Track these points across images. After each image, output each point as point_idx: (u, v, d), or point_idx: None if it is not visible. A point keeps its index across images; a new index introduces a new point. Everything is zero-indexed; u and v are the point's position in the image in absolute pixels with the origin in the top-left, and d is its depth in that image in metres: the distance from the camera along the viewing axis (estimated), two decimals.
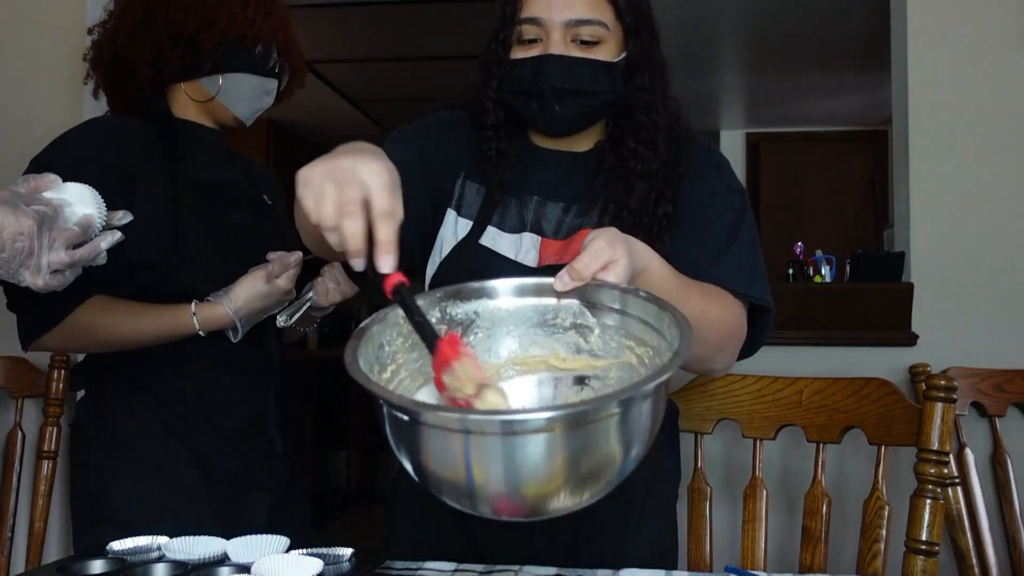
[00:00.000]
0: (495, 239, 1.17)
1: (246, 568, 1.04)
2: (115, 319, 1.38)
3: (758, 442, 1.48)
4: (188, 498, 1.42)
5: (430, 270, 1.21)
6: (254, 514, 1.48)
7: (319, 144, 6.15)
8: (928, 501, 1.29)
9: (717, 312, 1.09)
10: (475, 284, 0.90)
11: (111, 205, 1.15)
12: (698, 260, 1.13)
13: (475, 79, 1.22)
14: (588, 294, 0.86)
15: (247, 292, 1.42)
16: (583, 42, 1.12)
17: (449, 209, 1.21)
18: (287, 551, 1.12)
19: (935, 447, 1.30)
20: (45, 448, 1.91)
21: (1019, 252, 2.01)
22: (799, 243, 2.90)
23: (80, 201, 1.04)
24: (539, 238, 1.16)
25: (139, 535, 1.16)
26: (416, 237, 1.18)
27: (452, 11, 3.58)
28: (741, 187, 1.23)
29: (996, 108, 2.03)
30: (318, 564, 1.03)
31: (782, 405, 1.47)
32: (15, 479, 1.91)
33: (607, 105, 1.17)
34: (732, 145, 5.94)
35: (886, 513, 1.35)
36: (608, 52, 1.14)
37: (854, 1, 3.47)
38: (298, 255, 1.45)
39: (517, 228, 1.17)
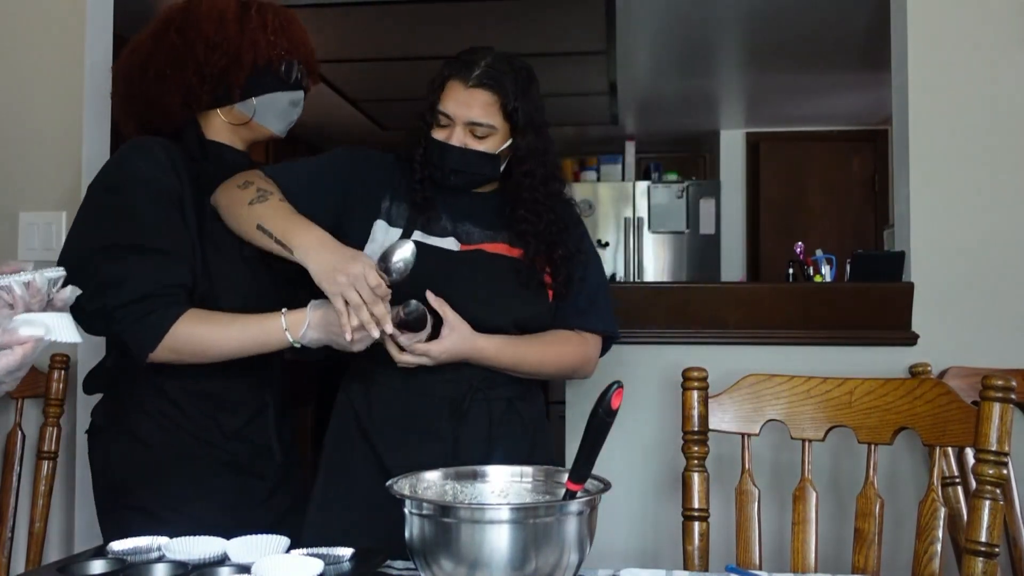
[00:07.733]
0: (423, 240, 1.52)
1: (246, 568, 1.04)
2: (209, 328, 1.40)
3: (807, 443, 1.46)
4: (198, 484, 1.49)
5: None
6: (253, 500, 1.54)
7: (319, 144, 6.14)
8: (987, 502, 1.28)
9: (557, 351, 1.56)
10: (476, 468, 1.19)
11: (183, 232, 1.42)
12: (569, 312, 1.58)
13: (408, 134, 1.59)
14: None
15: (326, 320, 1.38)
16: (477, 136, 1.51)
17: (379, 220, 1.55)
18: (287, 551, 1.12)
19: (994, 448, 1.29)
20: (45, 448, 1.91)
21: (1019, 252, 2.01)
22: (799, 243, 2.89)
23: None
24: (458, 242, 1.55)
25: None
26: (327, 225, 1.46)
27: (452, 11, 3.57)
28: (591, 240, 1.67)
29: (996, 108, 2.03)
30: (318, 564, 1.03)
31: (831, 406, 1.45)
32: (15, 479, 1.91)
33: (489, 179, 1.57)
34: (732, 145, 5.94)
35: (942, 515, 1.34)
36: (494, 144, 1.53)
37: (854, 1, 3.47)
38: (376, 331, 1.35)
39: (440, 234, 1.54)
